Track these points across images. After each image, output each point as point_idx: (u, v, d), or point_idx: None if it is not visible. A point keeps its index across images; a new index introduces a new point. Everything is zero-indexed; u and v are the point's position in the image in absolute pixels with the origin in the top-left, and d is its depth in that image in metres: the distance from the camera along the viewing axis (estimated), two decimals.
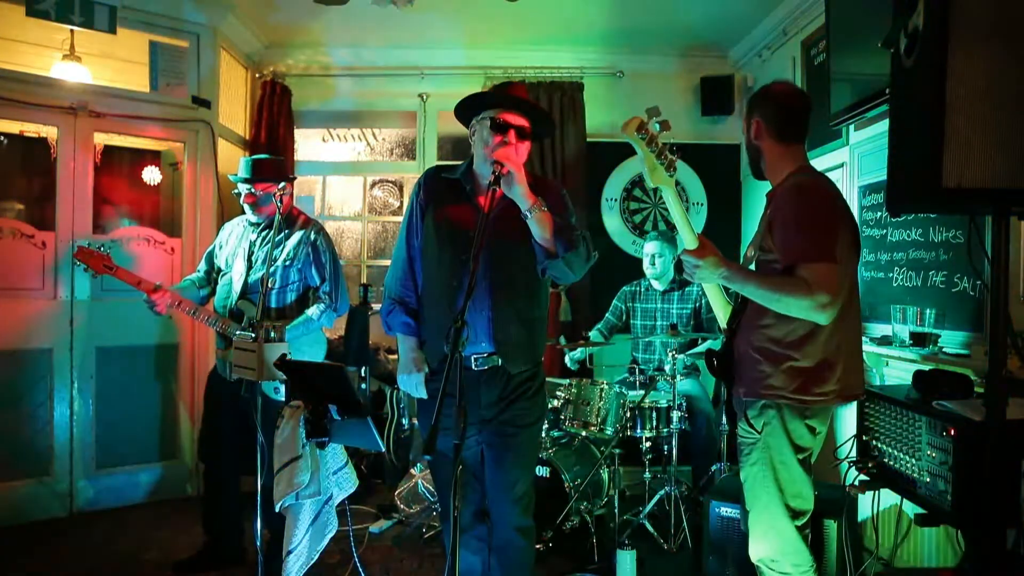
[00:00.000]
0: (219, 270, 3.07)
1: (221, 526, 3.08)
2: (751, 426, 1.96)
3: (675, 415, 3.38)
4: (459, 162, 2.26)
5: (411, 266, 2.22)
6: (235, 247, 3.04)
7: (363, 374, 3.95)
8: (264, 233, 2.99)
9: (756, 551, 2.01)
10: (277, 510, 2.27)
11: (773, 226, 1.92)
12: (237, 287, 2.93)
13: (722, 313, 2.16)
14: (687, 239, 1.99)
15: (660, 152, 1.94)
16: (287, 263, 2.93)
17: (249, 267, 2.95)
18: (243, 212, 3.08)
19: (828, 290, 1.76)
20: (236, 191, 3.06)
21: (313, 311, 2.94)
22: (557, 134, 4.61)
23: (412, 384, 2.16)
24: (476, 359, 2.09)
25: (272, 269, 2.86)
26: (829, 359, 1.89)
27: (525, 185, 1.93)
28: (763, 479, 1.95)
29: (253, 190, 2.96)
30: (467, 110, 2.15)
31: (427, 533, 3.46)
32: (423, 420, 2.36)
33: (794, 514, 1.94)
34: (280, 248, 2.94)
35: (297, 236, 2.97)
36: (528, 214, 1.94)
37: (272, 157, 3.14)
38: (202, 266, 3.17)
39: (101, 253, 2.88)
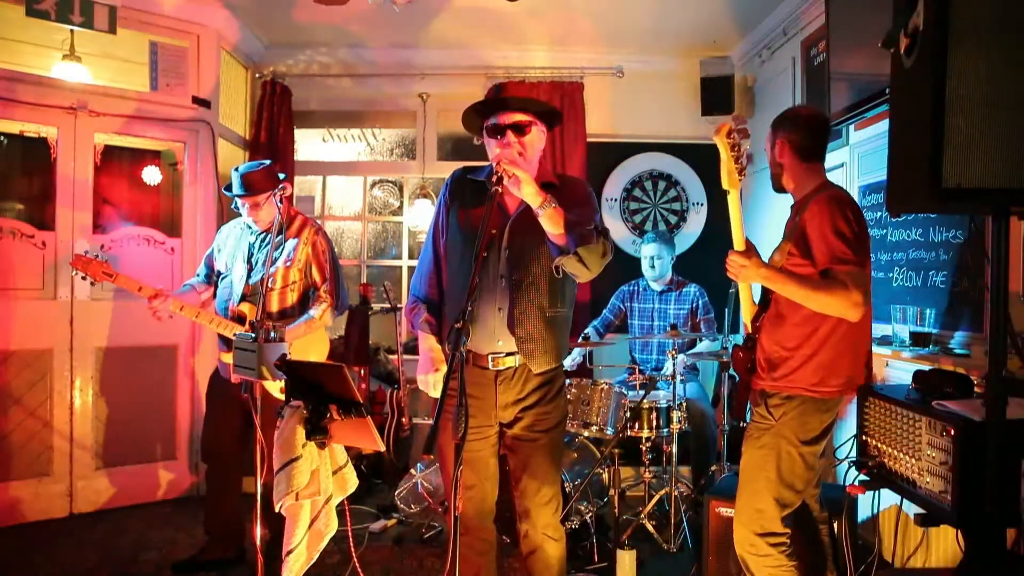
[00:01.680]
0: (219, 273, 3.08)
1: (223, 526, 3.08)
2: (769, 413, 2.13)
3: (675, 415, 3.38)
4: (466, 164, 2.29)
5: (436, 265, 2.23)
6: (234, 249, 3.04)
7: (363, 374, 3.96)
8: (263, 235, 3.01)
9: (739, 537, 2.15)
10: (277, 510, 2.27)
11: (808, 233, 2.07)
12: (239, 289, 2.94)
13: (748, 312, 2.29)
14: (737, 241, 2.15)
15: (737, 158, 2.11)
16: (288, 263, 2.95)
17: (250, 269, 2.96)
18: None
19: (861, 289, 1.95)
20: (234, 205, 3.05)
21: (315, 310, 2.97)
22: (557, 134, 4.61)
23: (428, 383, 2.16)
24: (492, 358, 2.08)
25: (272, 269, 2.90)
26: (846, 353, 2.08)
27: (532, 184, 1.93)
28: (765, 463, 2.10)
29: (254, 205, 2.95)
30: (472, 122, 2.18)
31: (427, 533, 3.46)
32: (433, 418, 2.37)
33: (781, 505, 2.10)
34: (280, 249, 2.96)
35: (296, 236, 3.00)
36: (539, 211, 1.95)
37: (260, 165, 3.03)
38: (201, 270, 3.18)
39: (99, 260, 2.84)
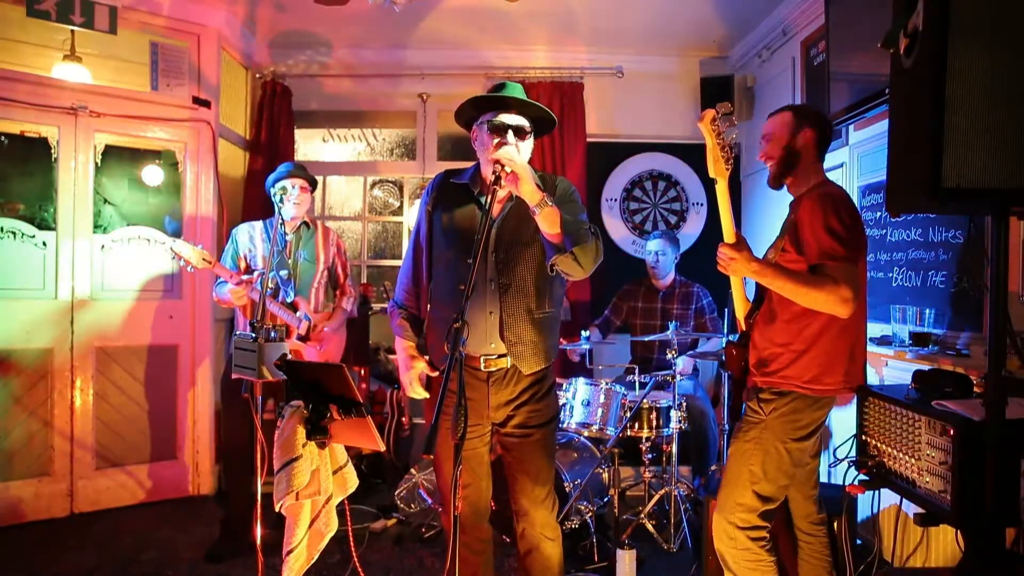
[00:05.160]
0: (254, 271, 3.27)
1: (242, 522, 3.17)
2: (759, 408, 2.13)
3: (675, 415, 3.38)
4: (467, 164, 2.26)
5: (415, 271, 2.23)
6: (267, 249, 3.23)
7: (363, 374, 3.96)
8: (296, 233, 3.33)
9: (718, 530, 2.16)
10: (277, 510, 2.27)
11: (802, 229, 2.07)
12: (289, 285, 3.26)
13: (741, 310, 2.28)
14: (727, 233, 2.15)
15: (724, 146, 2.12)
16: (327, 263, 3.39)
17: (295, 266, 3.28)
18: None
19: (851, 286, 1.95)
20: (281, 196, 3.14)
21: (347, 303, 3.47)
22: (557, 134, 4.61)
23: (407, 381, 2.18)
24: (485, 360, 2.09)
25: (320, 268, 3.36)
26: (840, 351, 2.07)
27: (531, 182, 1.93)
28: (750, 457, 2.12)
29: (303, 187, 3.25)
30: (466, 116, 2.15)
31: (427, 533, 3.46)
32: (429, 419, 2.38)
33: (763, 499, 2.11)
34: (321, 248, 3.37)
35: (322, 236, 3.40)
36: (536, 210, 1.94)
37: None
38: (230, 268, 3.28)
39: (200, 248, 3.06)
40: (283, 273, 3.27)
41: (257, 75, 4.76)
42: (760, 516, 2.11)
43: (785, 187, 2.27)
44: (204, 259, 3.04)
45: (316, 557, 2.35)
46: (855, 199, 3.40)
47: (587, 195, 4.71)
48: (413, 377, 2.15)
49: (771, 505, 2.13)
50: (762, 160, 2.28)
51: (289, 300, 3.26)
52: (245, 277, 3.13)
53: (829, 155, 3.58)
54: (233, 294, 3.10)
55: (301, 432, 2.23)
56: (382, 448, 2.19)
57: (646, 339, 3.94)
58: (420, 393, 2.16)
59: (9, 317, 3.62)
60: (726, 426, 3.44)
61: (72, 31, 3.70)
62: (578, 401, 3.40)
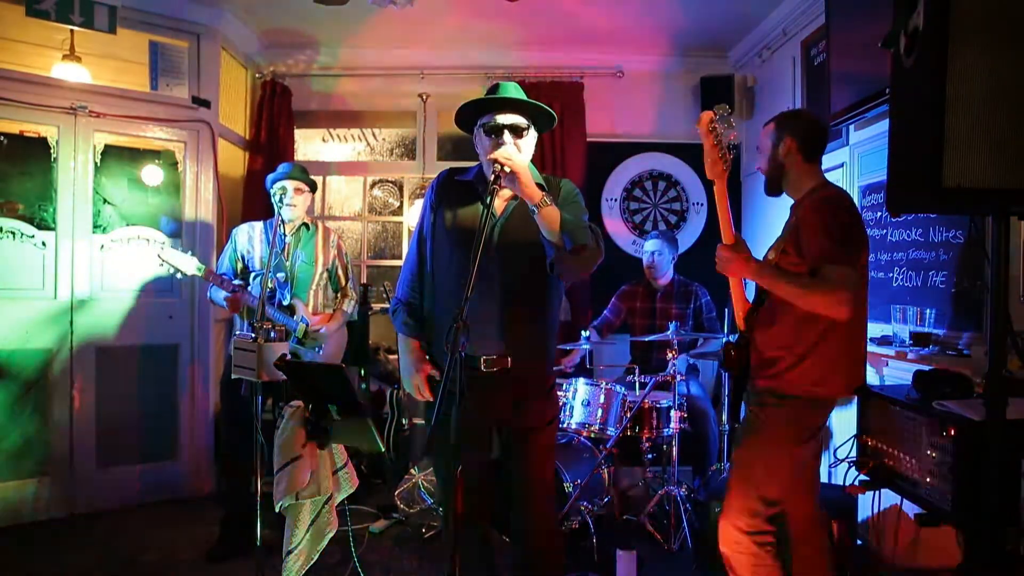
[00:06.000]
0: (252, 272, 3.28)
1: (241, 522, 3.14)
2: (762, 411, 2.13)
3: (675, 415, 3.38)
4: (472, 163, 2.25)
5: (419, 268, 2.21)
6: (266, 251, 3.22)
7: (363, 374, 3.96)
8: (296, 235, 3.31)
9: (724, 534, 2.16)
10: (277, 510, 2.27)
11: (801, 232, 2.08)
12: (285, 288, 3.24)
13: (740, 310, 2.28)
14: (725, 235, 2.18)
15: (721, 148, 2.15)
16: (325, 265, 3.36)
17: (293, 267, 3.25)
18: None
19: (848, 288, 1.94)
20: (281, 196, 3.19)
21: (347, 305, 3.44)
22: (557, 134, 4.61)
23: (411, 385, 2.16)
24: (486, 360, 2.08)
25: (320, 270, 3.34)
26: (842, 354, 2.07)
27: (530, 182, 1.92)
28: (754, 461, 2.12)
29: (298, 189, 3.23)
30: (465, 119, 2.15)
31: (427, 533, 3.46)
32: (428, 420, 2.37)
33: (768, 503, 2.11)
34: (320, 249, 3.34)
35: (322, 237, 3.38)
36: (535, 209, 1.93)
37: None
38: (228, 272, 3.27)
39: (190, 256, 3.06)
40: (280, 276, 3.25)
41: (257, 75, 4.76)
42: (766, 520, 2.11)
43: (785, 192, 2.28)
44: (196, 267, 3.03)
45: (316, 557, 2.35)
46: (855, 199, 3.41)
47: (587, 195, 4.66)
48: (421, 380, 2.11)
49: (776, 508, 2.13)
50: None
51: (286, 303, 3.23)
52: (238, 282, 3.13)
53: (829, 155, 3.62)
54: (228, 302, 3.10)
55: (301, 432, 2.23)
56: (382, 448, 2.19)
57: (646, 339, 3.95)
58: (427, 396, 2.12)
59: (8, 317, 3.62)
60: (726, 426, 3.44)
61: (71, 31, 3.70)
62: (578, 401, 3.40)
